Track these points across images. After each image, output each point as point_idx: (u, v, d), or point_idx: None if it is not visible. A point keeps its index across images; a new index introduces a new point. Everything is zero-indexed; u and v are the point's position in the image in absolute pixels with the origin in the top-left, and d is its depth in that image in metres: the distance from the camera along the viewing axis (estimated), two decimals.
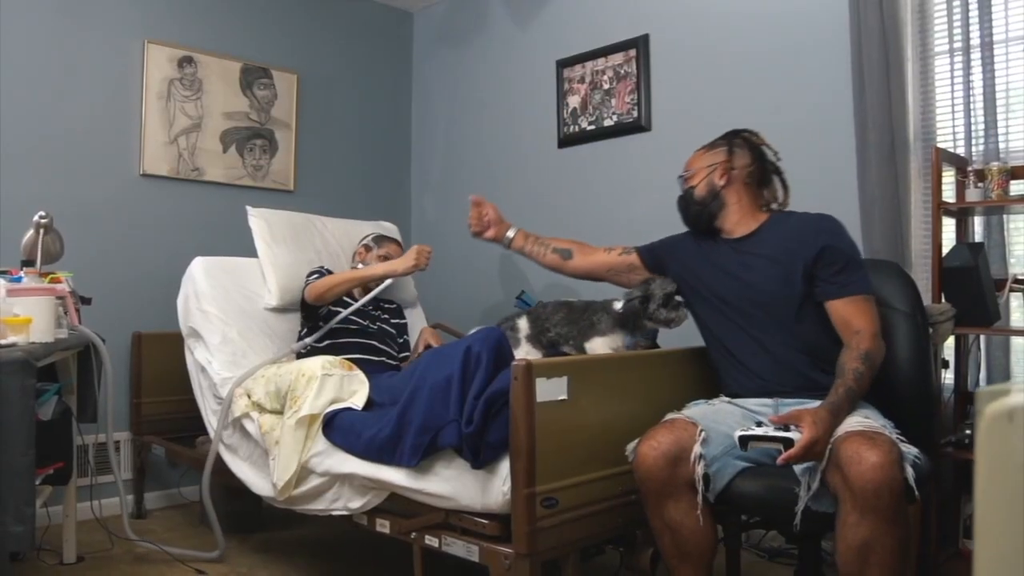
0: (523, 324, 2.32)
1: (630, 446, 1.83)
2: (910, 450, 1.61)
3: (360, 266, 2.89)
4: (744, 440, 1.67)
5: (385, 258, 2.89)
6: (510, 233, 2.46)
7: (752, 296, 1.97)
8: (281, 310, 2.94)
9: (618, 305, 2.20)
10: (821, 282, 1.89)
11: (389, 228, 3.40)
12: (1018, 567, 0.51)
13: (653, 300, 2.13)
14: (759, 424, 1.70)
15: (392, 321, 2.94)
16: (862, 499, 1.51)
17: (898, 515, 1.53)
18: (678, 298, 2.15)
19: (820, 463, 1.62)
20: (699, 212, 2.09)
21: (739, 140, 2.10)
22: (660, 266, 2.25)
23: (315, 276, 2.73)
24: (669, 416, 1.87)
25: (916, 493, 1.56)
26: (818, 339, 1.90)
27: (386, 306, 2.97)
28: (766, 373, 1.93)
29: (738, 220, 2.06)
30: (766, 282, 1.95)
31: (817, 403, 1.72)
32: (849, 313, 1.85)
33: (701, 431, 1.76)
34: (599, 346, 2.19)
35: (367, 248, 2.97)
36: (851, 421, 1.68)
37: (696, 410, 1.91)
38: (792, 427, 1.63)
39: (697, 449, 1.73)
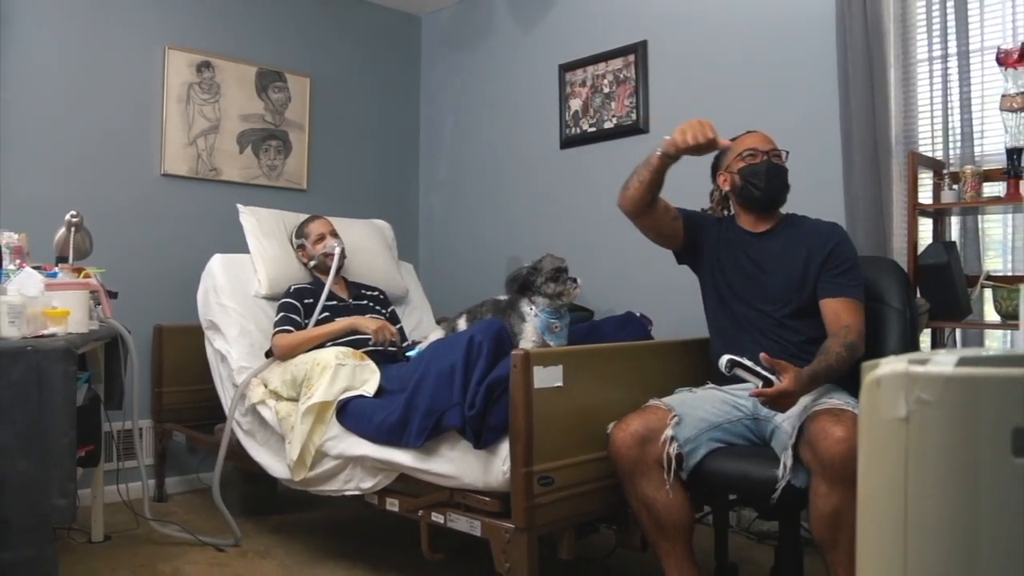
0: (462, 323, 2.52)
1: (610, 426, 1.99)
2: None
3: (312, 263, 3.04)
4: (732, 364, 1.81)
5: (319, 240, 3.00)
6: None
7: (759, 290, 2.12)
8: (272, 298, 3.03)
9: (528, 308, 2.35)
10: (823, 281, 2.06)
11: (380, 225, 3.57)
12: (889, 506, 0.65)
13: (541, 273, 2.28)
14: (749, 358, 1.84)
15: (382, 310, 3.07)
16: (831, 470, 1.66)
17: None
18: (569, 275, 2.30)
19: (790, 440, 1.79)
20: (783, 190, 2.19)
21: None
22: (696, 235, 2.26)
23: (282, 329, 2.76)
24: (648, 403, 2.03)
25: None
26: (809, 337, 2.05)
27: (368, 294, 3.11)
28: (758, 340, 2.06)
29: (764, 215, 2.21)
30: (775, 279, 2.11)
31: None
32: (840, 309, 2.01)
33: (674, 416, 1.92)
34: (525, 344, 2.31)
35: (302, 248, 3.07)
36: (820, 402, 1.83)
37: (676, 397, 2.07)
38: (777, 374, 1.78)
39: (668, 432, 1.88)
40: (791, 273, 2.10)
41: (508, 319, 2.34)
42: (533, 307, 2.34)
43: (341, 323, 2.77)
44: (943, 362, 0.63)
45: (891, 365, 0.66)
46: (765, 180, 2.15)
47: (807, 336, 2.05)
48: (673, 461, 1.86)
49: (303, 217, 3.28)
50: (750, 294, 2.14)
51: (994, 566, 0.60)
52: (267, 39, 3.84)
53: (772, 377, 1.78)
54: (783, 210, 2.24)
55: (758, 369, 1.79)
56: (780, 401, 1.78)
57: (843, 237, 2.13)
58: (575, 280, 2.33)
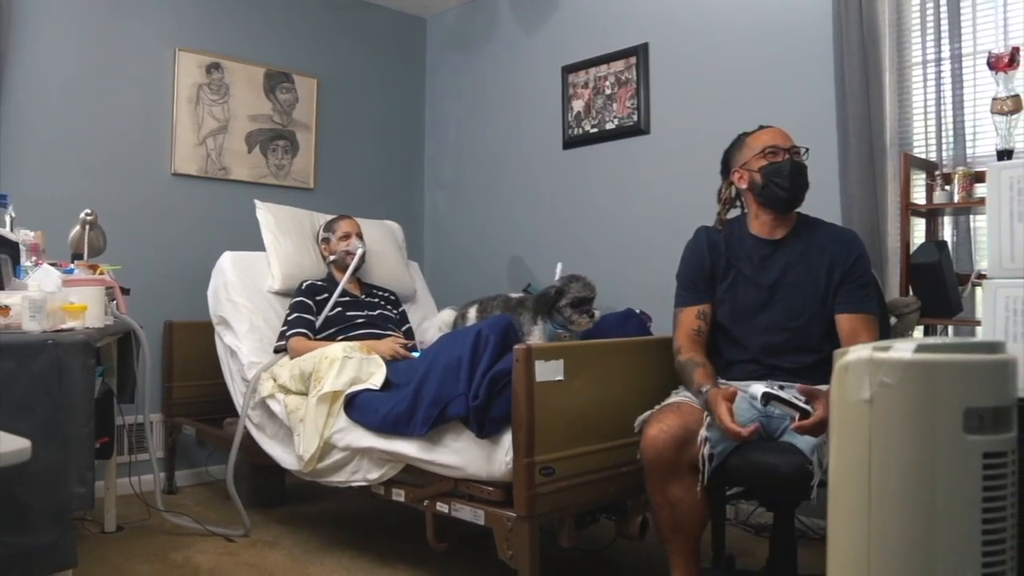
0: (472, 312, 2.59)
1: (639, 419, 1.98)
2: None
3: (332, 258, 3.13)
4: (768, 396, 1.77)
5: (344, 238, 3.11)
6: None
7: (783, 303, 2.06)
8: (285, 294, 3.13)
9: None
10: (842, 294, 2.01)
11: (392, 227, 3.65)
12: (855, 479, 0.71)
13: (565, 296, 2.34)
14: (782, 387, 1.82)
15: (393, 310, 3.15)
16: None
17: None
18: (590, 307, 2.34)
19: (824, 439, 1.77)
20: (804, 189, 2.08)
21: None
22: (711, 289, 2.16)
23: (298, 332, 2.84)
24: (674, 399, 2.01)
25: None
26: (825, 357, 1.97)
27: (380, 294, 3.20)
28: (762, 363, 2.04)
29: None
30: (797, 291, 2.05)
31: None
32: (859, 328, 1.97)
33: (707, 415, 1.88)
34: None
35: (327, 242, 3.19)
36: None
37: None
38: (811, 402, 1.76)
39: (703, 433, 1.84)
40: (814, 283, 2.03)
41: (517, 317, 2.40)
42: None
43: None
44: (903, 349, 0.69)
45: (857, 352, 0.73)
46: (789, 179, 2.03)
47: (827, 353, 1.93)
48: (707, 462, 1.82)
49: (317, 214, 3.36)
50: (768, 310, 2.06)
51: (949, 532, 0.66)
52: (275, 41, 3.91)
53: (808, 408, 1.74)
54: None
55: (795, 401, 1.75)
56: (818, 428, 1.74)
57: (863, 249, 2.08)
58: (592, 314, 2.36)
